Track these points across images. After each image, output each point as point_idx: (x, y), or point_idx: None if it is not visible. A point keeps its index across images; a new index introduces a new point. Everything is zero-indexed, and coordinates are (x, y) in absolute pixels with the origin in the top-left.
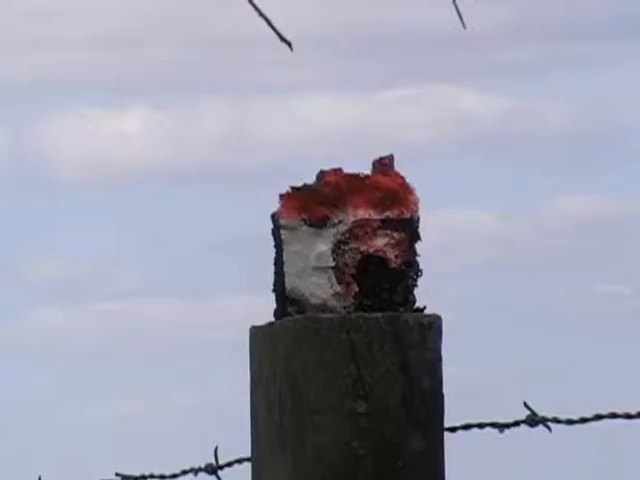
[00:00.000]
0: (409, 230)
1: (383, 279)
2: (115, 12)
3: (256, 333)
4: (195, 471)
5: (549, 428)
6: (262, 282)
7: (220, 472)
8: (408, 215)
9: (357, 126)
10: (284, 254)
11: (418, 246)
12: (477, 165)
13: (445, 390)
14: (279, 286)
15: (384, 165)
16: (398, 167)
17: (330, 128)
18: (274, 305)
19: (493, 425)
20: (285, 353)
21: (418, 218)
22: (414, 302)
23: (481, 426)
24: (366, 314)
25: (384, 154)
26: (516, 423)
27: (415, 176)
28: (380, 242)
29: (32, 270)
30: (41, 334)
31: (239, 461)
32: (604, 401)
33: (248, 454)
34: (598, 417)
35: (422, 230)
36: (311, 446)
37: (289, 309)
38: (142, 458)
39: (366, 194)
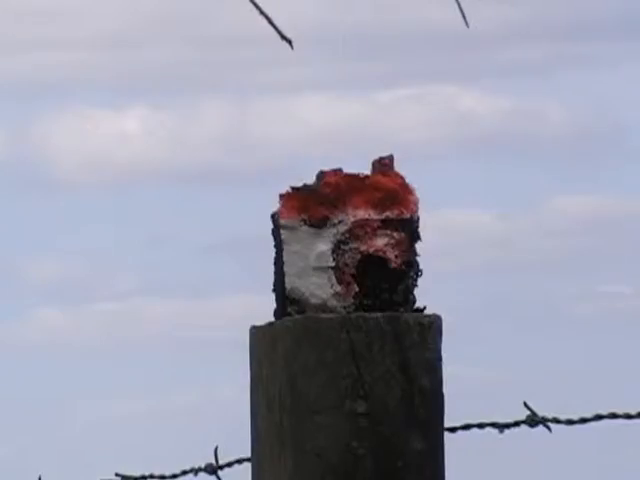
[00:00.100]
0: (409, 230)
1: (383, 279)
2: (115, 12)
3: (256, 333)
4: (195, 471)
5: (549, 428)
6: (262, 282)
7: (220, 472)
8: (408, 215)
9: (357, 126)
10: (284, 254)
11: (418, 246)
12: (477, 165)
13: (445, 390)
14: (279, 286)
15: (384, 165)
16: (398, 167)
17: (330, 128)
18: (274, 305)
19: (493, 425)
20: (285, 353)
21: (418, 218)
22: (414, 302)
23: (481, 426)
24: (366, 314)
25: (384, 154)
26: (516, 423)
27: (415, 176)
28: (380, 242)
29: (32, 270)
30: (41, 334)
31: (239, 461)
32: (604, 401)
33: (248, 454)
34: (598, 417)
35: (422, 230)
36: (311, 446)
37: (289, 309)
38: (142, 458)
39: (366, 194)
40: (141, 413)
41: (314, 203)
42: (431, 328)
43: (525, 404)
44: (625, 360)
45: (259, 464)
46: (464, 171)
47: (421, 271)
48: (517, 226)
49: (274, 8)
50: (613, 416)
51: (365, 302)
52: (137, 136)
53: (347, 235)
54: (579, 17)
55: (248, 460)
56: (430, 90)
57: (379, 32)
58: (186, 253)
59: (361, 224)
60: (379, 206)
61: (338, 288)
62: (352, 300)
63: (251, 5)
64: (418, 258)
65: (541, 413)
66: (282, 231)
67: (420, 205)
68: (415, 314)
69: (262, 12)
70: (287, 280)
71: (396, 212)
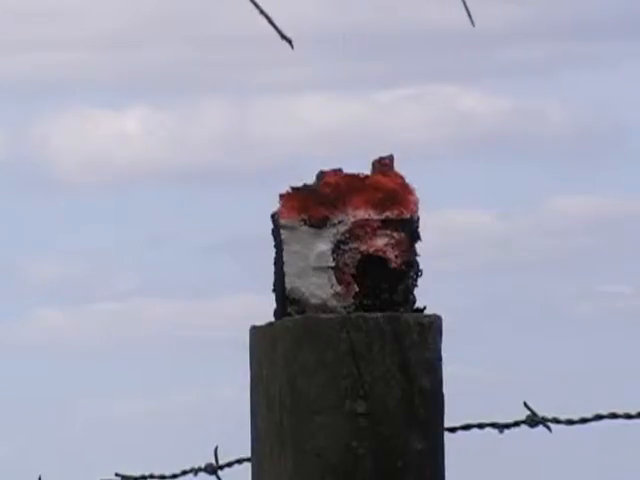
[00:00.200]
0: (409, 230)
1: (383, 279)
2: (115, 12)
3: (256, 333)
4: (195, 471)
5: (549, 428)
6: (262, 282)
7: (220, 472)
8: (408, 215)
9: (357, 126)
10: (284, 254)
11: (418, 246)
12: (477, 165)
13: (445, 390)
14: (279, 286)
15: (384, 165)
16: (398, 167)
17: (330, 128)
18: (274, 305)
19: (493, 425)
20: (285, 353)
21: (418, 218)
22: (414, 302)
23: (481, 426)
24: (366, 314)
25: (384, 154)
26: (516, 423)
27: (415, 176)
28: (380, 242)
29: (32, 270)
30: (41, 334)
31: (239, 461)
32: (604, 401)
33: (248, 454)
34: (598, 417)
35: (422, 230)
36: (311, 446)
37: (289, 309)
38: (142, 458)
39: (366, 194)
40: (141, 413)
41: (314, 203)
42: (431, 328)
43: (525, 404)
44: (625, 360)
45: (259, 464)
46: (464, 171)
47: (421, 271)
48: (517, 226)
49: (274, 8)
50: (613, 416)
51: (365, 302)
52: (137, 136)
53: (347, 235)
54: (579, 17)
55: (248, 460)
56: (430, 90)
57: (379, 32)
58: (186, 253)
59: (361, 224)
60: (379, 206)
61: (338, 288)
62: (352, 300)
63: (251, 5)
64: (418, 258)
65: (541, 413)
66: (282, 231)
67: (420, 205)
68: (415, 314)
69: (262, 12)
70: (287, 280)
71: (396, 212)
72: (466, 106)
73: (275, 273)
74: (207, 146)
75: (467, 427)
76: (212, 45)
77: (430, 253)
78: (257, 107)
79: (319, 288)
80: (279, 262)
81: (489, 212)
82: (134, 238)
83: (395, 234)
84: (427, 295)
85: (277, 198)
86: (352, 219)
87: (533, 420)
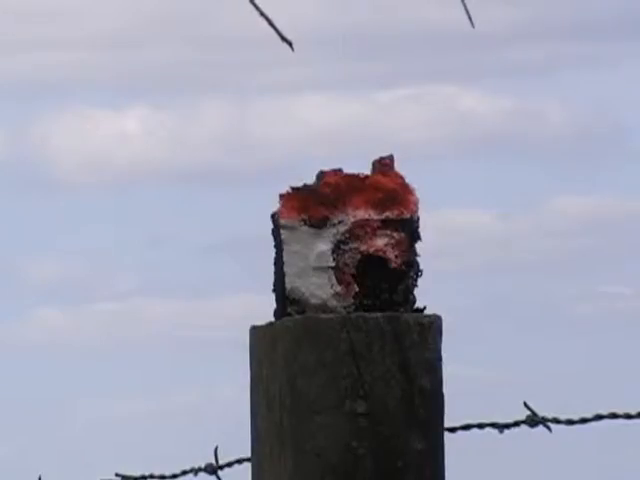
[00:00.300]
0: (409, 230)
1: (383, 279)
2: (115, 12)
3: (256, 333)
4: (195, 471)
5: (549, 428)
6: (262, 282)
7: (220, 472)
8: (408, 215)
9: (357, 126)
10: (284, 254)
11: (418, 246)
12: (477, 165)
13: (445, 390)
14: (279, 286)
15: (384, 165)
16: (398, 167)
17: (330, 128)
18: (274, 305)
19: (493, 425)
20: (285, 353)
21: (418, 218)
22: (414, 302)
23: (481, 426)
24: (366, 314)
25: (384, 154)
26: (516, 423)
27: (415, 176)
28: (380, 242)
29: (32, 270)
30: (41, 334)
31: (239, 461)
32: (604, 401)
33: (248, 454)
34: (598, 417)
35: (422, 230)
36: (311, 446)
37: (289, 309)
38: (142, 458)
39: (366, 194)
40: (141, 413)
41: (314, 203)
42: (431, 328)
43: (525, 404)
44: (625, 360)
45: (259, 464)
46: (464, 171)
47: (421, 271)
48: (517, 226)
49: (274, 8)
50: (613, 416)
51: (365, 302)
52: (137, 136)
53: (347, 235)
54: (579, 17)
55: (248, 460)
56: (430, 90)
57: (379, 32)
58: (186, 253)
59: (361, 224)
60: (379, 206)
61: (338, 288)
62: (352, 300)
63: (251, 6)
64: (418, 258)
65: (541, 413)
66: (282, 231)
67: (420, 205)
68: (415, 314)
69: (262, 14)
70: (287, 280)
71: (396, 212)
72: (466, 106)
73: (275, 273)
74: (207, 146)
75: (467, 427)
76: (212, 45)
77: (430, 253)
78: (257, 107)
79: (319, 288)
80: (279, 262)
81: (489, 212)
82: (134, 238)
83: (395, 234)
84: (427, 295)
85: (277, 198)
86: (352, 219)
87: (533, 420)
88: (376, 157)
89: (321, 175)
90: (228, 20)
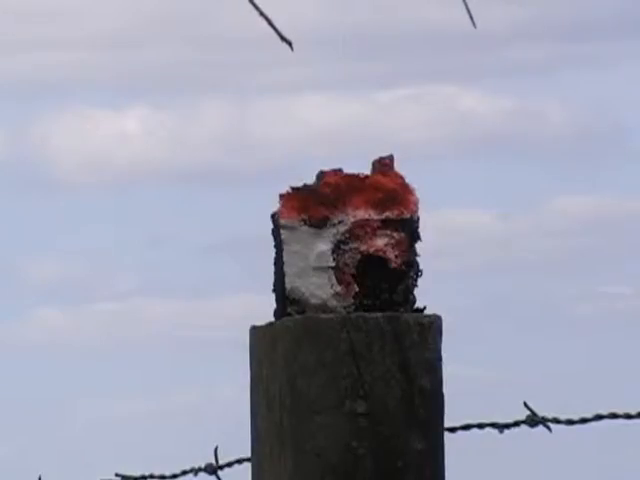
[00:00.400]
0: (409, 230)
1: (383, 279)
2: (115, 12)
3: (256, 333)
4: (195, 471)
5: (549, 428)
6: (262, 282)
7: (220, 472)
8: (408, 215)
9: (357, 126)
10: (284, 254)
11: (418, 246)
12: (477, 165)
13: (445, 390)
14: (279, 286)
15: (384, 165)
16: (398, 167)
17: (330, 128)
18: (274, 305)
19: (493, 425)
20: (285, 353)
21: (418, 218)
22: (414, 302)
23: (481, 426)
24: (366, 314)
25: (384, 154)
26: (516, 423)
27: (415, 176)
28: (380, 242)
29: (32, 270)
30: (41, 334)
31: (239, 461)
32: (604, 401)
33: (248, 454)
34: (598, 417)
35: (422, 230)
36: (311, 446)
37: (289, 309)
38: (142, 458)
39: (366, 194)
40: (141, 413)
41: (314, 203)
42: (431, 328)
43: (525, 404)
44: (625, 360)
45: (259, 464)
46: (464, 171)
47: (421, 271)
48: (517, 226)
49: (274, 8)
50: (613, 416)
51: (365, 302)
52: (137, 136)
53: (347, 235)
54: (579, 17)
55: (248, 460)
56: (430, 90)
57: (379, 32)
58: (186, 253)
59: (361, 224)
60: (379, 206)
61: (338, 288)
62: (352, 300)
63: (251, 6)
64: (418, 258)
65: (541, 413)
66: (282, 231)
67: (420, 205)
68: (415, 314)
69: (262, 13)
70: (287, 280)
71: (396, 212)
72: (466, 106)
73: (275, 273)
74: (207, 146)
75: (467, 427)
76: (212, 45)
77: (430, 253)
78: (257, 107)
79: (319, 288)
80: (279, 262)
81: (489, 212)
82: (134, 238)
83: (395, 234)
84: (427, 295)
85: (277, 198)
86: (352, 219)
87: (533, 420)
88: (376, 157)
89: (321, 175)
90: (228, 20)
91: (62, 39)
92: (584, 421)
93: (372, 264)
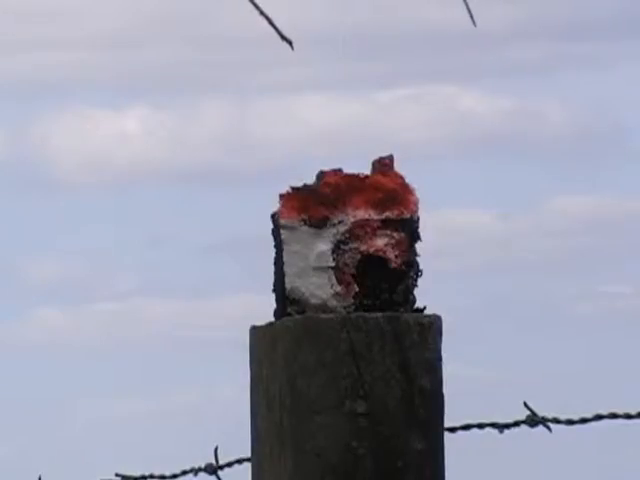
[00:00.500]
0: (409, 230)
1: (383, 279)
2: (115, 12)
3: (256, 333)
4: (195, 471)
5: (549, 428)
6: (262, 282)
7: (220, 472)
8: (408, 215)
9: (357, 126)
10: (284, 254)
11: (418, 246)
12: (477, 165)
13: (445, 390)
14: (279, 286)
15: (384, 165)
16: (398, 167)
17: (330, 128)
18: (274, 305)
19: (493, 425)
20: (285, 353)
21: (418, 218)
22: (414, 302)
23: (481, 426)
24: (366, 314)
25: (384, 154)
26: (516, 423)
27: (415, 176)
28: (380, 242)
29: (32, 270)
30: (41, 334)
31: (239, 461)
32: (604, 401)
33: (248, 454)
34: (598, 417)
35: (422, 230)
36: (311, 446)
37: (289, 309)
38: (142, 458)
39: (366, 194)
40: (141, 413)
41: (314, 203)
42: (431, 328)
43: (525, 404)
44: (625, 360)
45: (259, 464)
46: (464, 171)
47: (421, 271)
48: (517, 226)
49: (274, 8)
50: (613, 416)
51: (365, 302)
52: (137, 136)
53: (347, 235)
54: (579, 17)
55: (248, 460)
56: (430, 90)
57: (379, 32)
58: (186, 253)
59: (361, 224)
60: (379, 206)
61: (338, 288)
62: (352, 300)
63: (251, 5)
64: (418, 258)
65: (541, 413)
66: (282, 231)
67: (420, 205)
68: (415, 314)
69: (262, 13)
70: (287, 280)
71: (396, 212)
72: (466, 106)
73: (275, 273)
74: (207, 146)
75: (467, 427)
76: (212, 45)
77: (430, 253)
78: (257, 107)
79: (319, 288)
80: (279, 262)
81: (489, 212)
82: (134, 238)
83: (395, 234)
84: (427, 295)
85: (277, 198)
86: (352, 219)
87: (533, 420)
88: (376, 157)
89: (321, 175)
90: (228, 20)
91: (62, 39)
92: (584, 421)
93: (372, 264)
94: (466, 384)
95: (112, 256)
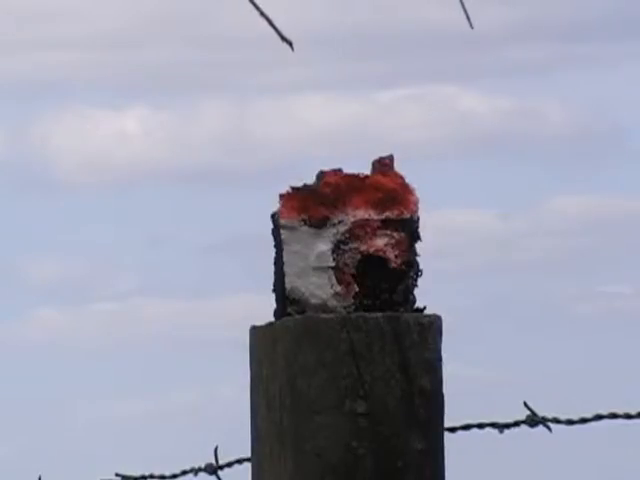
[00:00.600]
0: (409, 230)
1: (383, 279)
2: (115, 12)
3: (256, 333)
4: (195, 471)
5: (549, 428)
6: (262, 282)
7: (220, 472)
8: (408, 215)
9: (357, 126)
10: (284, 254)
11: (418, 246)
12: (477, 165)
13: (445, 390)
14: (279, 286)
15: (384, 165)
16: (398, 167)
17: (330, 128)
18: (274, 305)
19: (493, 425)
20: (285, 353)
21: (418, 218)
22: (414, 302)
23: (481, 426)
24: (366, 314)
25: (384, 154)
26: (516, 423)
27: (415, 176)
28: (380, 242)
29: (32, 270)
30: (41, 334)
31: (239, 461)
32: (604, 401)
33: (248, 454)
34: (598, 417)
35: (422, 230)
36: (311, 446)
37: (289, 309)
38: (142, 458)
39: (366, 194)
40: (141, 413)
41: (314, 203)
42: (431, 328)
43: (525, 404)
44: (625, 360)
45: (259, 464)
46: (464, 171)
47: (421, 271)
48: (517, 226)
49: (274, 9)
50: (613, 416)
51: (365, 302)
52: (137, 136)
53: (347, 235)
54: (579, 17)
55: (248, 460)
56: (430, 90)
57: (379, 32)
58: (186, 253)
59: (361, 224)
60: (379, 206)
61: (338, 288)
62: (352, 300)
63: (251, 6)
64: (418, 258)
65: (541, 413)
66: (282, 231)
67: (420, 205)
68: (415, 314)
69: (262, 13)
70: (287, 280)
71: (396, 212)
72: (466, 106)
73: (275, 273)
74: (207, 146)
75: (467, 427)
76: (212, 45)
77: (430, 253)
78: (257, 107)
79: (319, 288)
80: (279, 262)
81: (489, 212)
82: (134, 238)
83: (395, 234)
84: (427, 295)
85: (277, 198)
86: (352, 219)
87: (533, 420)
88: (376, 157)
89: (321, 175)
90: (228, 20)
91: (62, 39)
92: (584, 421)
93: (372, 264)
94: (466, 384)
95: (112, 256)
